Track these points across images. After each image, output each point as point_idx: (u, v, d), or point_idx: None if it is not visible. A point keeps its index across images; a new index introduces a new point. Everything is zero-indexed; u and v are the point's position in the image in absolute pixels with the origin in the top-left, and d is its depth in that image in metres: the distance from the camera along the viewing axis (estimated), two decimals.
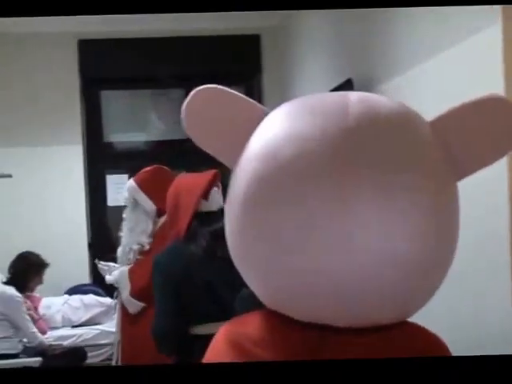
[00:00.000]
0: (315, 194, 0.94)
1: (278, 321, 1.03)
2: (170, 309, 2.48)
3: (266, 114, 1.08)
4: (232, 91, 1.08)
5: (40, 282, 4.74)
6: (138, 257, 3.56)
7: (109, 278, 3.82)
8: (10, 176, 4.80)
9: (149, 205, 3.53)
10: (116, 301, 3.86)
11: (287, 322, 1.02)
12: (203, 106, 1.08)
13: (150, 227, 3.53)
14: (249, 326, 1.07)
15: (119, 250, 3.64)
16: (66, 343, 4.71)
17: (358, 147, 0.95)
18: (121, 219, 5.93)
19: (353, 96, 1.03)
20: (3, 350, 4.19)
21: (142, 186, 3.55)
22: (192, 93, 1.08)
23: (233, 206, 1.04)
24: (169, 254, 2.60)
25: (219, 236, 2.35)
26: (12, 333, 4.32)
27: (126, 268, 3.59)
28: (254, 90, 6.13)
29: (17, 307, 4.33)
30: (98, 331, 4.80)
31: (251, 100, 1.11)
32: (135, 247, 3.53)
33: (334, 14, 3.96)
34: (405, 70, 3.15)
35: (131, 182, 3.59)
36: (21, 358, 4.19)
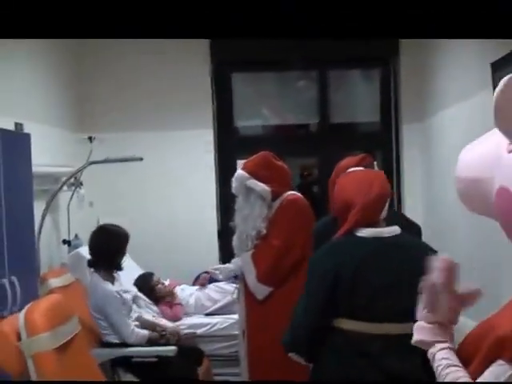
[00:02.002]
0: None
1: None
2: (318, 301, 2.35)
3: None
4: None
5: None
6: (256, 242, 3.51)
7: (229, 266, 3.79)
8: (140, 159, 4.75)
9: (263, 189, 3.58)
10: (237, 288, 3.79)
11: None
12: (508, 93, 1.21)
13: (265, 211, 3.55)
14: None
15: (235, 239, 3.66)
16: (198, 332, 4.58)
17: None
18: None
19: None
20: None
21: (253, 172, 3.58)
22: (504, 79, 1.22)
23: None
24: (342, 245, 2.42)
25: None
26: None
27: (247, 253, 3.53)
28: (390, 73, 5.83)
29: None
30: (232, 321, 4.63)
31: None
32: (253, 233, 3.53)
33: None
34: None
35: (240, 171, 3.62)
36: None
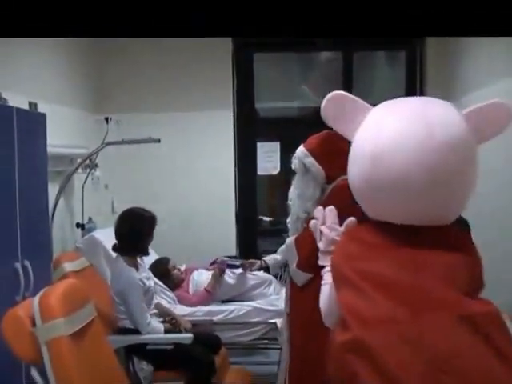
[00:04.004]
0: None
1: (382, 223, 1.78)
2: None
3: (369, 110, 1.87)
4: (350, 95, 1.88)
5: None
6: (305, 225, 3.36)
7: (277, 257, 3.63)
8: (158, 141, 4.65)
9: (317, 170, 3.33)
10: (285, 271, 3.67)
11: (387, 223, 1.77)
12: (334, 104, 1.86)
13: (317, 194, 3.35)
14: (362, 228, 1.85)
15: (288, 220, 3.43)
16: (215, 319, 4.47)
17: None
18: (270, 189, 5.70)
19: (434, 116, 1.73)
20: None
21: (312, 151, 3.36)
22: (328, 95, 1.85)
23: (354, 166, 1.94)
24: None
25: None
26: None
27: (291, 238, 3.38)
28: (415, 55, 5.67)
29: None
30: (250, 308, 4.52)
31: (361, 101, 1.88)
32: (302, 216, 3.34)
33: None
34: None
35: (301, 148, 3.40)
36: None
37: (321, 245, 2.03)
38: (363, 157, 1.81)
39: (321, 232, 2.04)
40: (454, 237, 1.78)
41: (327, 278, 1.93)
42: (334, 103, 1.86)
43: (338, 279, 1.80)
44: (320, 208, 2.06)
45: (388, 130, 1.74)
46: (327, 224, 2.03)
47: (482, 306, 1.68)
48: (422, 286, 1.67)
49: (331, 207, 2.08)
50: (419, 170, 1.66)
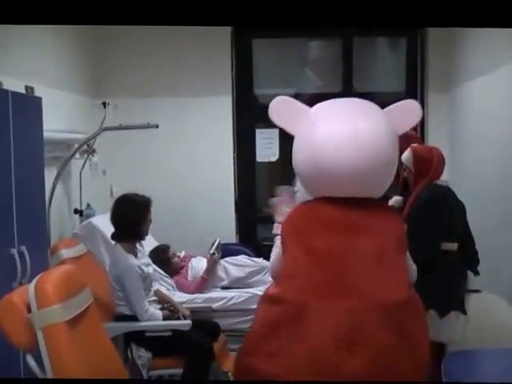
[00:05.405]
0: None
1: (322, 200, 2.26)
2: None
3: (308, 111, 2.32)
4: (292, 100, 2.37)
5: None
6: None
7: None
8: (156, 126, 4.61)
9: None
10: None
11: (329, 198, 2.23)
12: (278, 106, 2.31)
13: None
14: (307, 204, 2.32)
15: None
16: (214, 306, 4.45)
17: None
18: (269, 176, 5.66)
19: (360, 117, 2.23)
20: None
21: None
22: (274, 100, 2.32)
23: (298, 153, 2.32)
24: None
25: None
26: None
27: None
28: (417, 41, 5.62)
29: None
30: (249, 295, 4.50)
31: (302, 104, 2.33)
32: None
33: None
34: None
35: None
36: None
37: (277, 217, 2.54)
38: (304, 146, 2.23)
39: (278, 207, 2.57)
40: (381, 208, 2.29)
41: (278, 242, 2.36)
42: (280, 106, 2.31)
43: (283, 246, 2.25)
44: (285, 187, 2.63)
45: (322, 126, 2.18)
46: (283, 201, 2.58)
47: (398, 294, 2.06)
48: (348, 267, 2.10)
49: (289, 191, 2.63)
50: (345, 160, 2.11)
